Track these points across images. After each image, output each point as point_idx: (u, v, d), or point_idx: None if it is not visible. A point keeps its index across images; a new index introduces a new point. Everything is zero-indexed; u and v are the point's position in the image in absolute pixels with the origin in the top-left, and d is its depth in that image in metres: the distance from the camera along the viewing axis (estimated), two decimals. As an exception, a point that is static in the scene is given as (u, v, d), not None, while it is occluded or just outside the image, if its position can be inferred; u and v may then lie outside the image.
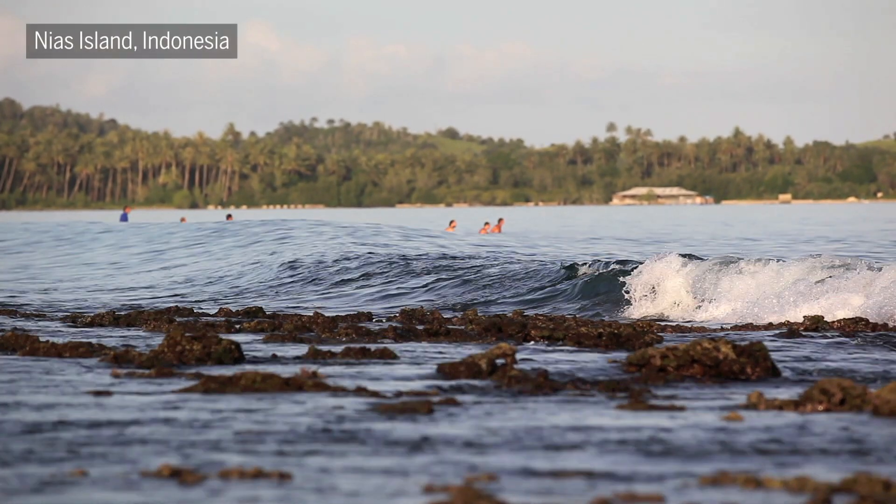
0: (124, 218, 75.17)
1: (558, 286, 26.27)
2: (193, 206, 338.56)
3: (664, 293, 22.17)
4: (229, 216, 74.63)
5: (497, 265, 29.28)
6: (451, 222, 72.81)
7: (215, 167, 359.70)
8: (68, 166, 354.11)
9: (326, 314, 20.22)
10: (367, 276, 30.20)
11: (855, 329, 17.32)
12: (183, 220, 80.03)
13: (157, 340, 15.84)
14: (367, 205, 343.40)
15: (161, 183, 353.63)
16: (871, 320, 17.89)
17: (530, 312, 21.50)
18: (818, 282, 20.49)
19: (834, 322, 17.75)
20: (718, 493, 7.31)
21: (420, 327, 17.03)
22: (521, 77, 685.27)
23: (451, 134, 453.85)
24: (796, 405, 10.33)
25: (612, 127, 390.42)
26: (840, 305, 19.20)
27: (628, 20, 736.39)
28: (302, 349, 15.10)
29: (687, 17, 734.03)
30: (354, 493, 7.35)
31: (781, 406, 10.36)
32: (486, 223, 74.15)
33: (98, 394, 11.22)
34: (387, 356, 13.93)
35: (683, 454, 8.51)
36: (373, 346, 14.51)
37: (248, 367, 13.03)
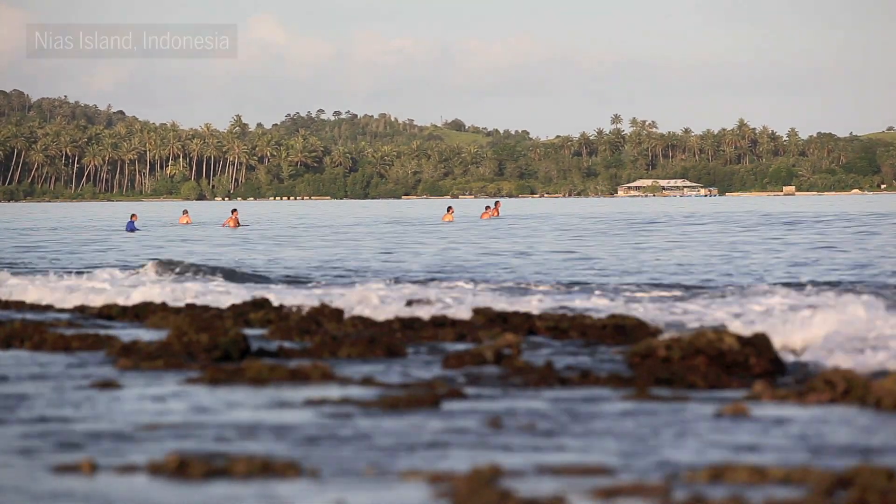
0: (131, 227, 63.85)
1: None
2: (201, 197, 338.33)
3: None
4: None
5: None
6: (449, 209, 74.07)
7: (222, 159, 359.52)
8: (76, 158, 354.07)
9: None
10: None
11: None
12: (185, 215, 77.23)
13: (164, 332, 15.88)
14: (374, 196, 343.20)
15: (169, 174, 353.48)
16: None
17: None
18: None
19: None
20: (722, 484, 7.35)
21: (425, 318, 17.03)
22: (527, 69, 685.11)
23: (457, 126, 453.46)
24: (800, 396, 10.35)
25: (616, 119, 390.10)
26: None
27: (633, 12, 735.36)
28: (309, 340, 15.13)
29: (692, 9, 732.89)
30: (361, 484, 7.39)
31: (785, 397, 10.39)
32: (487, 207, 79.41)
33: (105, 385, 11.26)
34: (393, 346, 13.96)
35: (689, 446, 8.54)
36: (379, 337, 14.53)
37: (255, 359, 13.06)
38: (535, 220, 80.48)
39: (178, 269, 27.24)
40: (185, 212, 77.57)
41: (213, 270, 27.72)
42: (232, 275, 27.29)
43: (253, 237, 55.18)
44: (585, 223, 71.01)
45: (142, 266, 28.33)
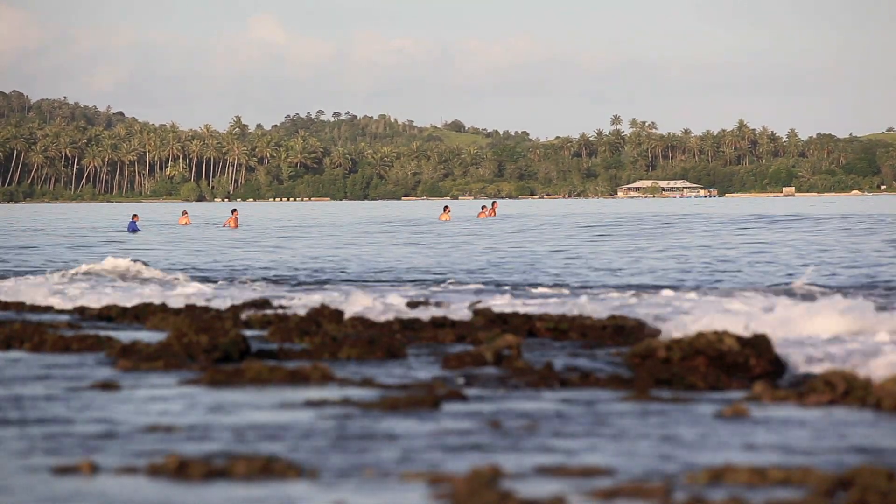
0: (133, 227, 63.96)
1: None
2: (200, 198, 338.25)
3: None
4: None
5: None
6: (446, 209, 75.89)
7: (222, 160, 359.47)
8: (76, 159, 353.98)
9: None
10: None
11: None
12: (185, 216, 77.36)
13: (165, 333, 15.87)
14: (373, 197, 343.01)
15: (168, 175, 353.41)
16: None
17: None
18: None
19: None
20: (723, 485, 7.34)
21: (425, 319, 17.02)
22: (527, 70, 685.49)
23: (457, 127, 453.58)
24: (800, 397, 10.34)
25: (616, 120, 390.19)
26: None
27: (633, 12, 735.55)
28: (308, 341, 15.12)
29: (692, 9, 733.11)
30: (361, 485, 7.39)
31: (785, 398, 10.38)
32: (484, 207, 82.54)
33: (105, 386, 11.26)
34: (393, 347, 13.95)
35: (689, 447, 8.54)
36: (379, 338, 14.53)
37: (255, 360, 13.05)
38: (533, 219, 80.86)
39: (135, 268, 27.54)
40: (185, 212, 77.96)
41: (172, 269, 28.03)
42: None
43: (253, 237, 55.19)
44: (584, 223, 71.16)
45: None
